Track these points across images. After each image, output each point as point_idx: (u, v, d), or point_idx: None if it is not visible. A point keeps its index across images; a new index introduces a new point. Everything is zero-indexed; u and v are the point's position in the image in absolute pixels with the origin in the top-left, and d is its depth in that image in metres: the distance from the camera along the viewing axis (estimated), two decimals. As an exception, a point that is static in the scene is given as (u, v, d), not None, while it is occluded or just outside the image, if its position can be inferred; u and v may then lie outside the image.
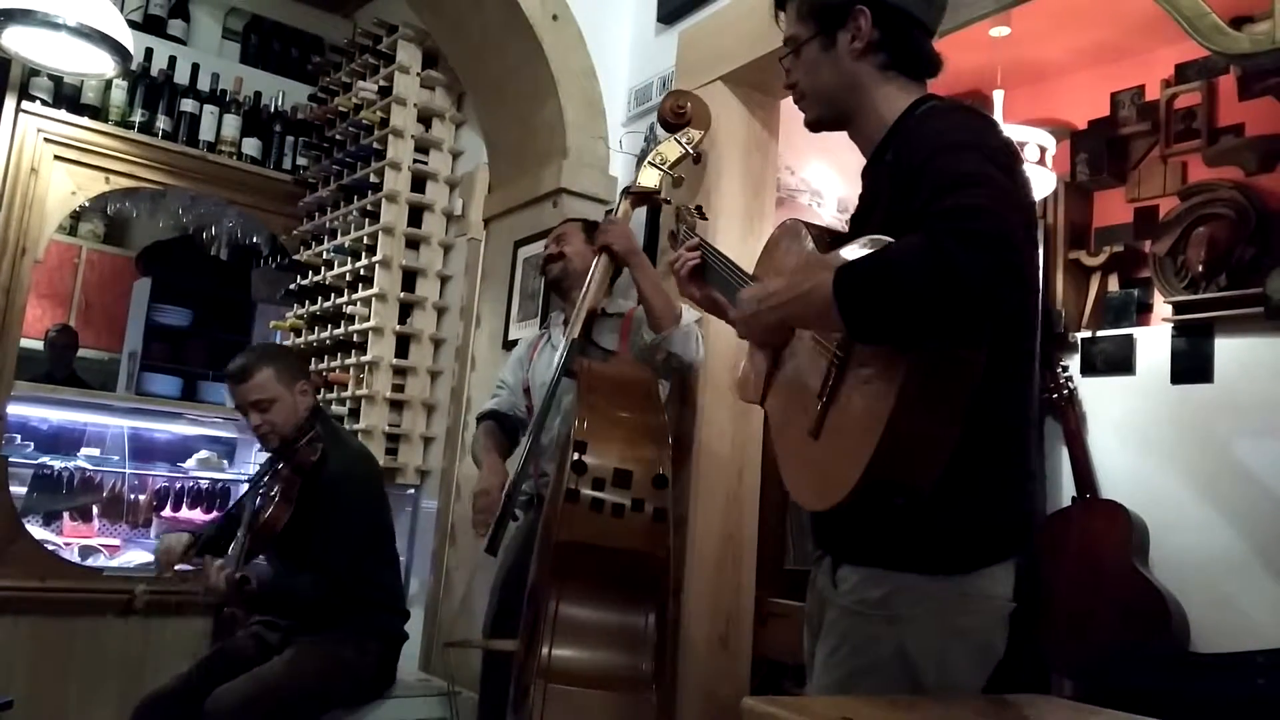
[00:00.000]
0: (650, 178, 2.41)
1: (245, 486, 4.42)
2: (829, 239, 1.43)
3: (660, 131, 2.61)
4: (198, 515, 4.43)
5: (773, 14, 1.53)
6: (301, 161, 4.22)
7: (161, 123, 3.95)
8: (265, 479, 2.71)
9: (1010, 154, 1.28)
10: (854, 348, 1.20)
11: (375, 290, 3.47)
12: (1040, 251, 1.41)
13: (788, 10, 1.49)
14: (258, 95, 4.26)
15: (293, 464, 2.62)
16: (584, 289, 2.33)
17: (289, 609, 2.65)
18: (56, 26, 2.96)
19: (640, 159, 2.97)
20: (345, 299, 3.67)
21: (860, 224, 1.40)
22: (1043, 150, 3.41)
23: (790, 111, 2.67)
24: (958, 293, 1.05)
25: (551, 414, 2.32)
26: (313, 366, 3.72)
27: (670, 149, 2.43)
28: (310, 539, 2.57)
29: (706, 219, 2.01)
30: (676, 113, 2.46)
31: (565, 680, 1.73)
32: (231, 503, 4.33)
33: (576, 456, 1.79)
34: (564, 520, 1.78)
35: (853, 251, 1.21)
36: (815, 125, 1.52)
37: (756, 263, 1.63)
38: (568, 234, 2.61)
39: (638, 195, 2.43)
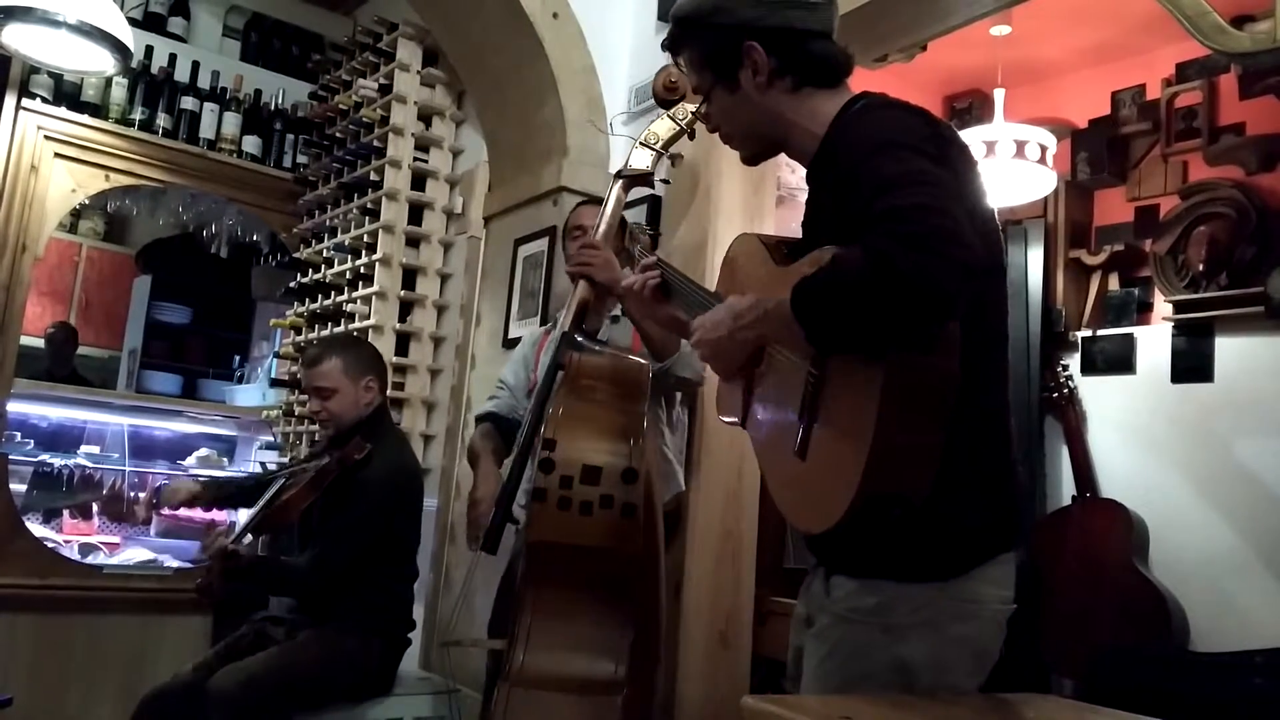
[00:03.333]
0: (643, 159, 2.29)
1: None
2: (785, 249, 1.43)
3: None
4: (197, 513, 4.43)
5: (673, 62, 1.53)
6: (302, 159, 4.22)
7: (162, 120, 3.94)
8: (308, 462, 2.73)
9: (943, 141, 1.27)
10: (829, 364, 1.19)
11: (375, 288, 3.47)
12: (1000, 229, 1.37)
13: (684, 60, 1.48)
14: (258, 93, 4.26)
15: (337, 456, 2.64)
16: (566, 305, 2.25)
17: (277, 589, 2.67)
18: (57, 24, 2.96)
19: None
20: (345, 297, 3.67)
21: (810, 229, 1.40)
22: (1043, 149, 3.41)
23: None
24: (905, 297, 1.06)
25: (548, 410, 2.30)
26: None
27: (663, 126, 2.30)
28: (325, 529, 2.61)
29: (659, 234, 1.97)
30: (669, 87, 2.35)
31: (532, 683, 1.72)
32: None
33: (545, 454, 1.78)
34: (533, 520, 1.78)
35: (807, 267, 1.22)
36: (752, 161, 1.53)
37: (718, 280, 1.61)
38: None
39: (630, 178, 2.31)
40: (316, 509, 2.64)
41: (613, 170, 3.04)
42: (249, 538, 2.54)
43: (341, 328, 3.65)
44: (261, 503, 2.65)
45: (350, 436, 2.71)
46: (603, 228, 2.23)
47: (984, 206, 1.32)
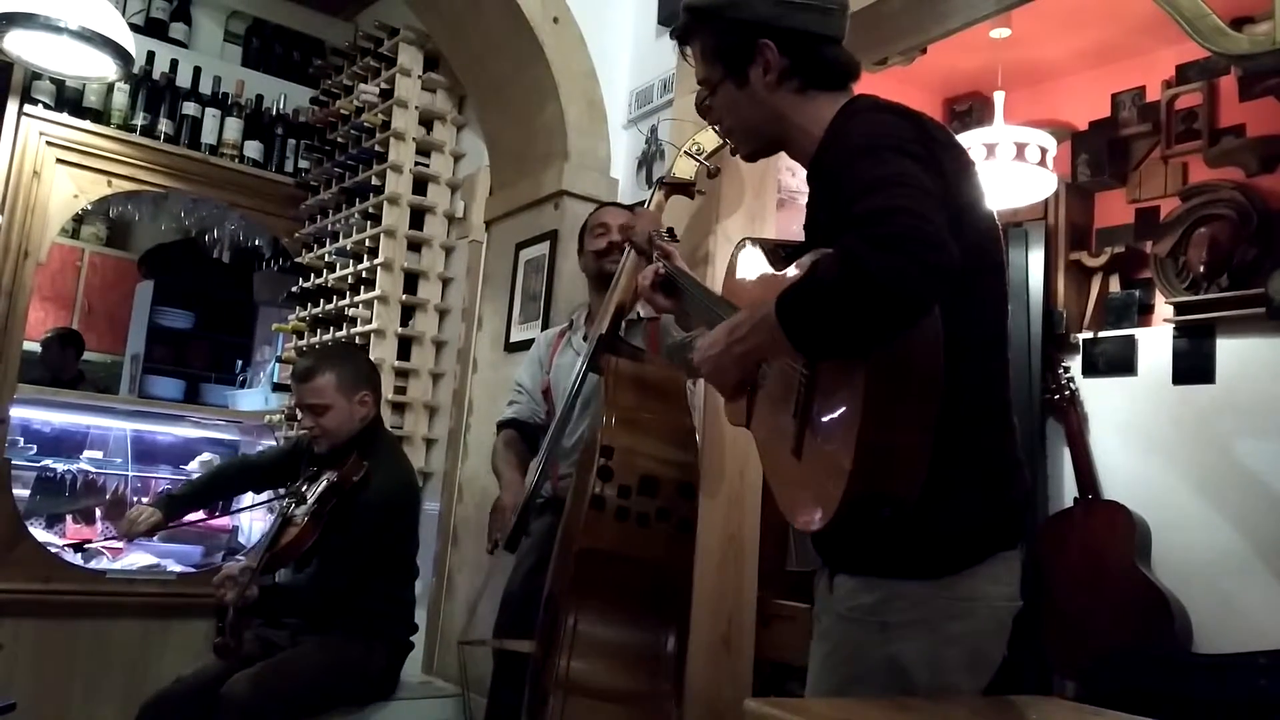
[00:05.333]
0: (686, 168, 2.31)
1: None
2: (784, 253, 1.44)
3: (662, 134, 2.58)
4: (200, 517, 4.43)
5: (679, 52, 1.53)
6: (303, 164, 4.23)
7: (163, 126, 3.95)
8: (303, 489, 2.67)
9: (932, 142, 1.28)
10: (820, 365, 1.21)
11: (377, 293, 3.47)
12: (998, 229, 1.38)
13: (692, 50, 1.49)
14: (259, 98, 4.27)
15: (335, 480, 2.59)
16: (613, 282, 2.25)
17: (283, 614, 2.66)
18: (58, 30, 2.97)
19: (643, 159, 2.98)
20: (347, 301, 3.67)
21: (810, 231, 1.42)
22: (1044, 151, 3.41)
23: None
24: (876, 298, 1.07)
25: (576, 415, 2.26)
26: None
27: (708, 138, 2.33)
28: (326, 549, 2.59)
29: (678, 239, 1.98)
30: None
31: (585, 693, 1.70)
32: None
33: (603, 462, 1.74)
34: (588, 527, 1.74)
35: (794, 271, 1.24)
36: (751, 157, 1.55)
37: (722, 286, 1.62)
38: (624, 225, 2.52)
39: (672, 185, 2.33)
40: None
41: (614, 174, 3.07)
42: (255, 589, 2.47)
43: (343, 332, 3.65)
44: (265, 545, 2.60)
45: (346, 452, 2.66)
46: (642, 227, 2.24)
47: (980, 206, 1.33)
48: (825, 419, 1.19)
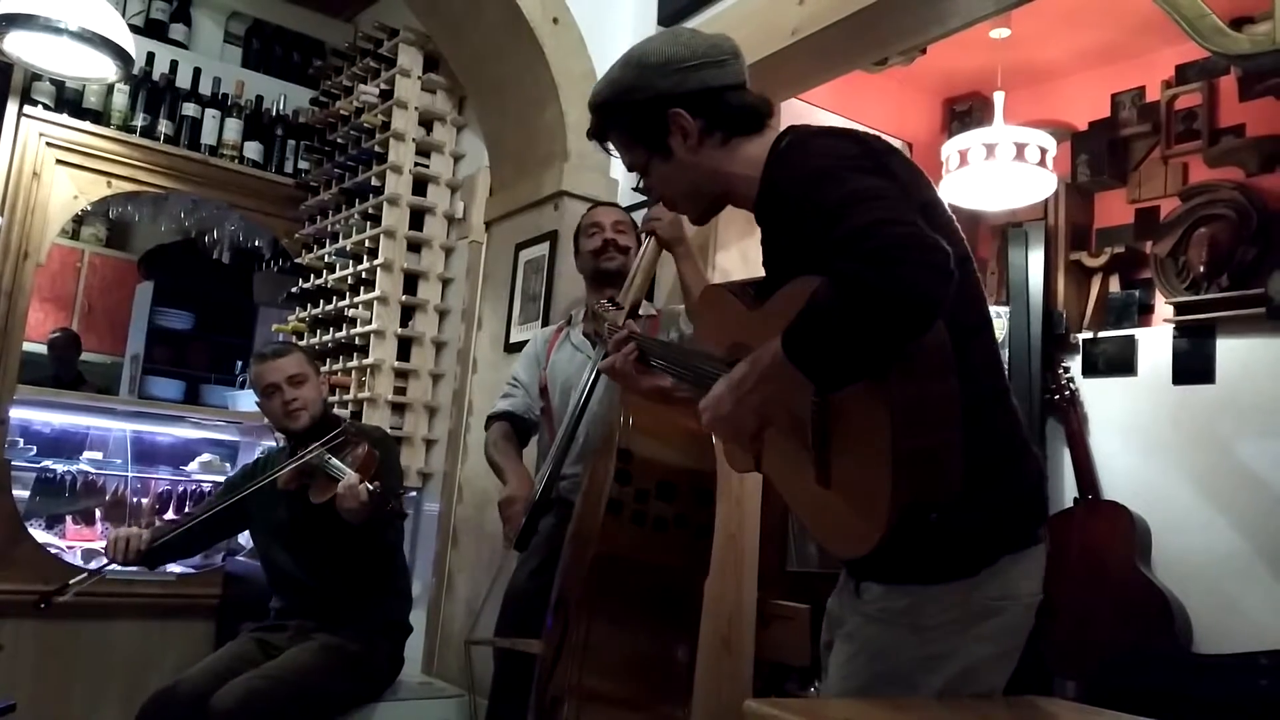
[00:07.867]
0: None
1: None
2: (752, 290, 1.43)
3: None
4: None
5: (599, 147, 1.55)
6: (303, 165, 4.23)
7: (163, 127, 3.96)
8: (287, 463, 2.61)
9: (876, 152, 1.29)
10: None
11: (377, 293, 3.47)
12: (956, 219, 1.39)
13: (613, 143, 1.51)
14: (259, 99, 4.27)
15: (341, 430, 2.60)
16: (630, 276, 2.26)
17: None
18: (58, 31, 2.97)
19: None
20: (347, 302, 3.68)
21: (770, 267, 1.41)
22: (1044, 151, 3.40)
23: (790, 114, 2.68)
24: (888, 310, 1.06)
25: (587, 412, 2.25)
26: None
27: None
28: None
29: (621, 306, 1.95)
30: None
31: (598, 698, 1.70)
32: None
33: (620, 466, 1.72)
34: (605, 532, 1.72)
35: (780, 304, 1.24)
36: (701, 219, 1.57)
37: (695, 335, 1.61)
38: (627, 227, 2.52)
39: None
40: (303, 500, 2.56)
41: (614, 175, 3.06)
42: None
43: (343, 332, 3.66)
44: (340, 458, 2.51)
45: (319, 430, 2.63)
46: (668, 219, 2.27)
47: (939, 203, 1.34)
48: (851, 440, 1.17)
